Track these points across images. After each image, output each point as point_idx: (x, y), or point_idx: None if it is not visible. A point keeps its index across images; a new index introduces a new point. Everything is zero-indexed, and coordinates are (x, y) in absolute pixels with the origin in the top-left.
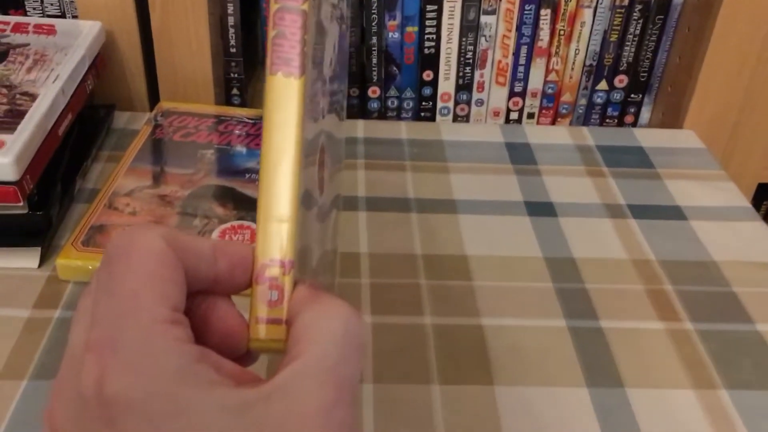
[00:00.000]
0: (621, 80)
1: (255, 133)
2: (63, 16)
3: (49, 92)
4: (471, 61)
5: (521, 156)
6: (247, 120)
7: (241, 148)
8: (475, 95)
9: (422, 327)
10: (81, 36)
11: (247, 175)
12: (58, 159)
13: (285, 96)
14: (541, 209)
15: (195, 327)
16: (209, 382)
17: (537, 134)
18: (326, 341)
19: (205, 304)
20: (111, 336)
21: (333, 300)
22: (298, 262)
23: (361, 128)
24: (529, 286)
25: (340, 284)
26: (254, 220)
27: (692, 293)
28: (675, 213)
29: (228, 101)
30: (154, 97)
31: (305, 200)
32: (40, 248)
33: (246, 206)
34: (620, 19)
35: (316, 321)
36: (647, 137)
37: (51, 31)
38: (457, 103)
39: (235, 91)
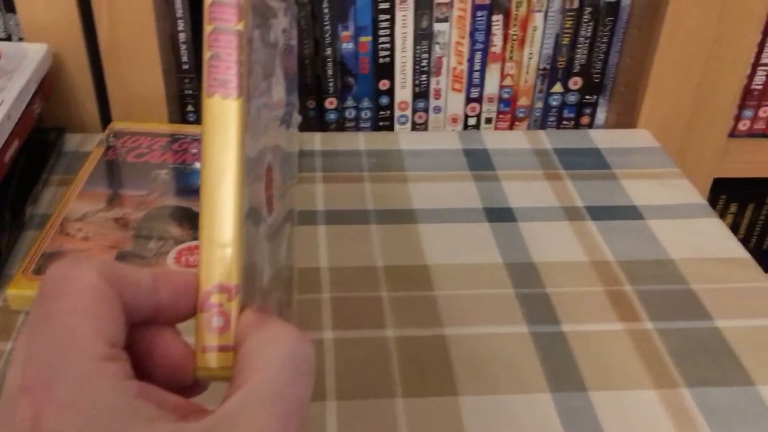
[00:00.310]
0: (575, 82)
1: None
2: (9, 38)
3: None
4: (426, 68)
5: (479, 162)
6: (199, 137)
7: (196, 167)
8: (433, 102)
9: (384, 340)
10: (27, 59)
11: None
12: (5, 186)
13: (223, 118)
14: (500, 215)
15: (140, 359)
16: (149, 417)
17: (494, 140)
18: (271, 368)
19: (149, 336)
20: (46, 375)
21: (279, 325)
22: (245, 284)
23: (318, 141)
24: (490, 293)
25: (300, 300)
26: None
27: (651, 292)
28: (632, 213)
29: (183, 118)
30: (106, 118)
31: (252, 217)
32: None
33: None
34: (571, 23)
35: (261, 347)
36: (603, 138)
37: None
38: (414, 111)
39: (190, 108)
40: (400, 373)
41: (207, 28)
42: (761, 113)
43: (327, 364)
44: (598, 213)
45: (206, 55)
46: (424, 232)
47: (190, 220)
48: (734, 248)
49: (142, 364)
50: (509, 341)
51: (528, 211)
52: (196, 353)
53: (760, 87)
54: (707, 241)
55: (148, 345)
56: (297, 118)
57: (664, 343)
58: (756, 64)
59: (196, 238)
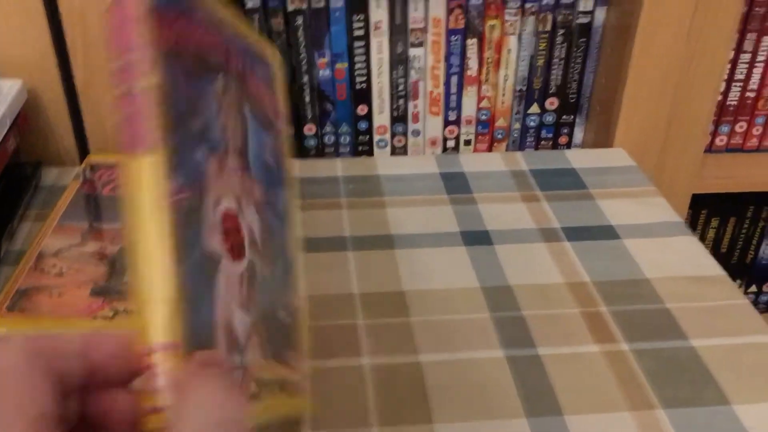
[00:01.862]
0: (552, 103)
1: None
2: None
3: None
4: (403, 93)
5: (456, 186)
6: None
7: None
8: (411, 126)
9: (360, 368)
10: (0, 95)
11: None
12: None
13: (144, 175)
14: (477, 238)
15: (101, 422)
16: None
17: (472, 162)
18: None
19: (104, 398)
20: None
21: (213, 384)
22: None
23: (296, 168)
24: (466, 317)
25: None
26: None
27: (626, 313)
28: (608, 233)
29: None
30: (84, 151)
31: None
32: None
33: None
34: (545, 44)
35: (189, 411)
36: (579, 158)
37: None
38: (393, 134)
39: None
40: (375, 402)
41: (119, 89)
42: (737, 128)
43: None
44: (575, 234)
45: (120, 114)
46: (401, 257)
47: None
48: (710, 266)
49: (105, 426)
50: (485, 366)
51: (505, 234)
52: (143, 415)
53: (735, 102)
54: (683, 260)
55: (104, 408)
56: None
57: (639, 364)
58: (730, 80)
59: None
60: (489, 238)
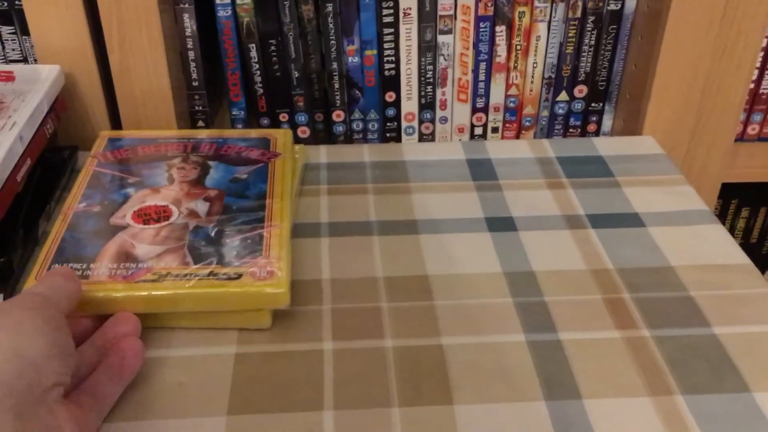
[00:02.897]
0: (581, 90)
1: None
2: (26, 60)
3: (5, 140)
4: (432, 80)
5: (482, 172)
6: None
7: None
8: (439, 113)
9: (382, 350)
10: (40, 81)
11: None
12: (19, 204)
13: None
14: (501, 224)
15: None
16: None
17: (498, 149)
18: None
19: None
20: None
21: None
22: None
23: (324, 153)
24: (489, 302)
25: (301, 312)
26: None
27: (649, 300)
28: (633, 220)
29: None
30: None
31: None
32: (2, 294)
33: None
34: (574, 31)
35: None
36: (606, 146)
37: (9, 77)
38: (421, 122)
39: (200, 123)
40: (397, 383)
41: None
42: None
43: (326, 374)
44: (599, 221)
45: None
46: (425, 242)
47: None
48: (735, 254)
49: None
50: (506, 350)
51: (529, 220)
52: None
53: (767, 91)
54: (708, 248)
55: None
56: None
57: (660, 351)
58: (763, 69)
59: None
60: (513, 224)
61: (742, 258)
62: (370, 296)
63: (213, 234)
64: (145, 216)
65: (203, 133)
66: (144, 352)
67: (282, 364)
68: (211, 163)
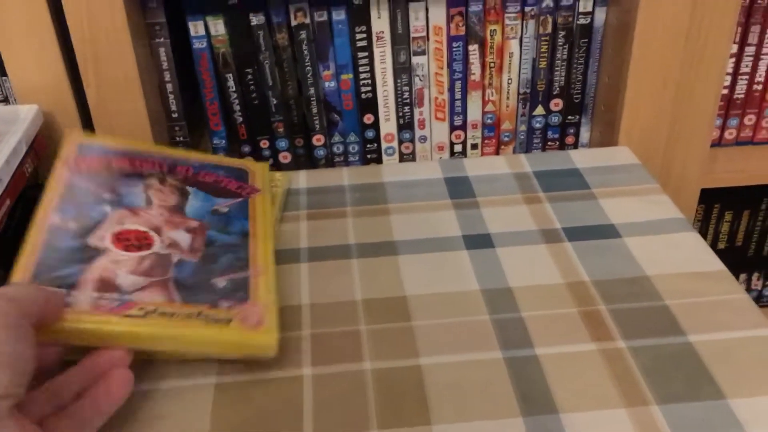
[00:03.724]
0: (556, 104)
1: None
2: (7, 100)
3: None
4: (408, 100)
5: (460, 190)
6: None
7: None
8: (418, 132)
9: (361, 373)
10: (18, 121)
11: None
12: (0, 243)
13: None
14: (478, 242)
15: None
16: None
17: (475, 166)
18: None
19: None
20: None
21: (37, 290)
22: None
23: (303, 179)
24: (466, 320)
25: (281, 339)
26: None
27: (625, 311)
28: (609, 232)
29: None
30: None
31: None
32: None
33: None
34: (546, 47)
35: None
36: (582, 158)
37: None
38: (401, 142)
39: None
40: (376, 405)
41: None
42: (746, 121)
43: (305, 400)
44: (576, 234)
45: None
46: (403, 263)
47: None
48: (710, 261)
49: None
50: (483, 367)
51: (506, 236)
52: None
53: (742, 95)
54: (683, 256)
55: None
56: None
57: (636, 361)
58: (736, 74)
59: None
60: (491, 240)
61: (717, 265)
62: (349, 320)
63: (199, 271)
64: (125, 241)
65: (178, 153)
66: (132, 383)
67: (262, 392)
68: (189, 188)
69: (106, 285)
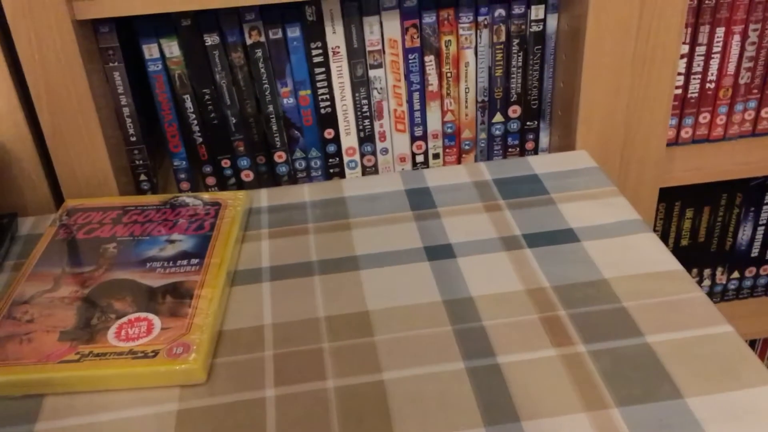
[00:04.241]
0: (515, 111)
1: (158, 220)
2: None
3: None
4: (368, 113)
5: (421, 201)
6: (150, 207)
7: (143, 237)
8: (379, 145)
9: (324, 391)
10: None
11: (148, 265)
12: None
13: None
14: (439, 252)
15: None
16: None
17: (436, 177)
18: None
19: None
20: None
21: None
22: None
23: (264, 197)
24: (428, 332)
25: (243, 361)
26: (152, 311)
27: (584, 315)
28: (568, 236)
29: (138, 188)
30: (59, 198)
31: None
32: None
33: (144, 297)
34: (501, 55)
35: None
36: (541, 164)
37: None
38: (362, 155)
39: (143, 177)
40: (339, 423)
41: None
42: (701, 119)
43: (268, 421)
44: (535, 240)
45: None
46: (365, 277)
47: (132, 293)
48: (666, 261)
49: None
50: (445, 379)
51: (467, 246)
52: None
53: (696, 94)
54: (640, 257)
55: None
56: None
57: (595, 365)
58: (689, 73)
59: (137, 311)
60: (452, 251)
61: (673, 264)
62: (312, 338)
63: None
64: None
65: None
66: None
67: (224, 416)
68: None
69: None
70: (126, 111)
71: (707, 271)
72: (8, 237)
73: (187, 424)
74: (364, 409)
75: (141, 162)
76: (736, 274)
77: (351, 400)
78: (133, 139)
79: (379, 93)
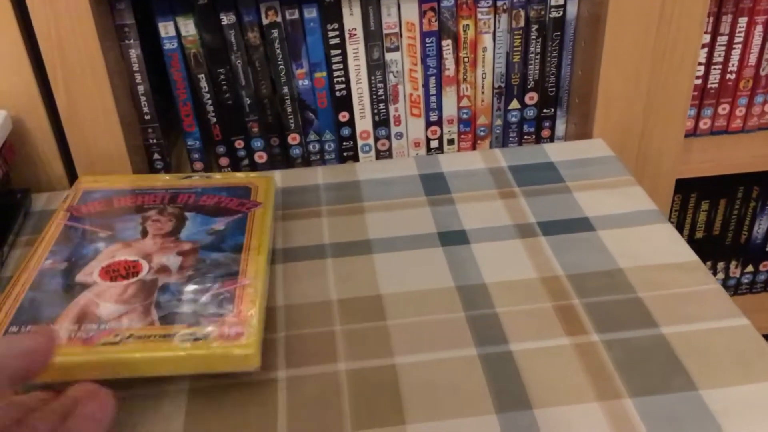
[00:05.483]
0: (531, 97)
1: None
2: None
3: None
4: (383, 97)
5: (435, 186)
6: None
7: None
8: (394, 129)
9: (336, 374)
10: None
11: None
12: None
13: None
14: (453, 238)
15: None
16: None
17: (451, 162)
18: None
19: None
20: None
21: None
22: None
23: (278, 179)
24: (441, 318)
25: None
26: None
27: (598, 304)
28: (583, 225)
29: (151, 166)
30: (73, 175)
31: None
32: None
33: None
34: (520, 40)
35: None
36: (557, 151)
37: None
38: (377, 139)
39: (156, 156)
40: (350, 406)
41: None
42: (721, 111)
43: (279, 402)
44: (550, 228)
45: None
46: (378, 261)
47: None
48: (682, 252)
49: None
50: (457, 365)
51: (481, 232)
52: None
53: (716, 85)
54: (656, 248)
55: None
56: None
57: (609, 355)
58: (709, 63)
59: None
60: (466, 237)
61: (689, 255)
62: (324, 321)
63: (183, 291)
64: (113, 272)
65: (183, 182)
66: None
67: (236, 396)
68: (188, 214)
69: (86, 316)
70: (141, 89)
71: (721, 264)
72: (22, 213)
73: (198, 404)
74: (376, 393)
75: (155, 141)
76: (750, 268)
77: (362, 383)
78: (148, 117)
79: (395, 76)
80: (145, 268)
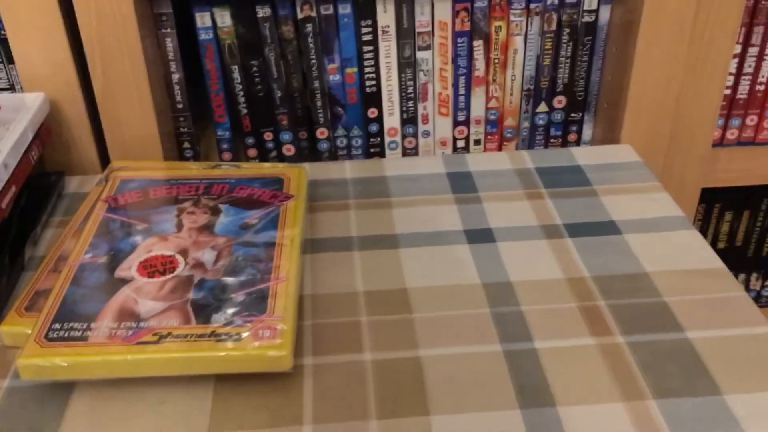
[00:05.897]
0: (560, 101)
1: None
2: (13, 88)
3: None
4: (412, 95)
5: (462, 185)
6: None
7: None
8: (421, 127)
9: (361, 364)
10: (24, 109)
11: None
12: (4, 230)
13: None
14: (480, 236)
15: None
16: None
17: (478, 162)
18: None
19: None
20: None
21: None
22: None
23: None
24: (466, 313)
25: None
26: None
27: (623, 306)
28: (609, 228)
29: (181, 155)
30: (106, 159)
31: None
32: None
33: None
34: (551, 44)
35: None
36: (585, 155)
37: None
38: (404, 136)
39: (186, 144)
40: (375, 396)
41: None
42: (749, 121)
43: (305, 389)
44: (576, 230)
45: None
46: (405, 256)
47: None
48: (709, 259)
49: None
50: (482, 360)
51: (508, 231)
52: None
53: (745, 96)
54: (682, 253)
55: None
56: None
57: (633, 356)
58: (739, 74)
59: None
60: (492, 235)
61: (716, 262)
62: (350, 311)
63: (217, 289)
64: (150, 267)
65: (217, 172)
66: None
67: (262, 380)
68: (221, 206)
69: (125, 314)
70: (175, 77)
71: (741, 276)
72: (55, 194)
73: (225, 385)
74: (400, 384)
75: (186, 129)
76: None
77: (387, 373)
78: (180, 106)
79: (425, 75)
80: (181, 264)
